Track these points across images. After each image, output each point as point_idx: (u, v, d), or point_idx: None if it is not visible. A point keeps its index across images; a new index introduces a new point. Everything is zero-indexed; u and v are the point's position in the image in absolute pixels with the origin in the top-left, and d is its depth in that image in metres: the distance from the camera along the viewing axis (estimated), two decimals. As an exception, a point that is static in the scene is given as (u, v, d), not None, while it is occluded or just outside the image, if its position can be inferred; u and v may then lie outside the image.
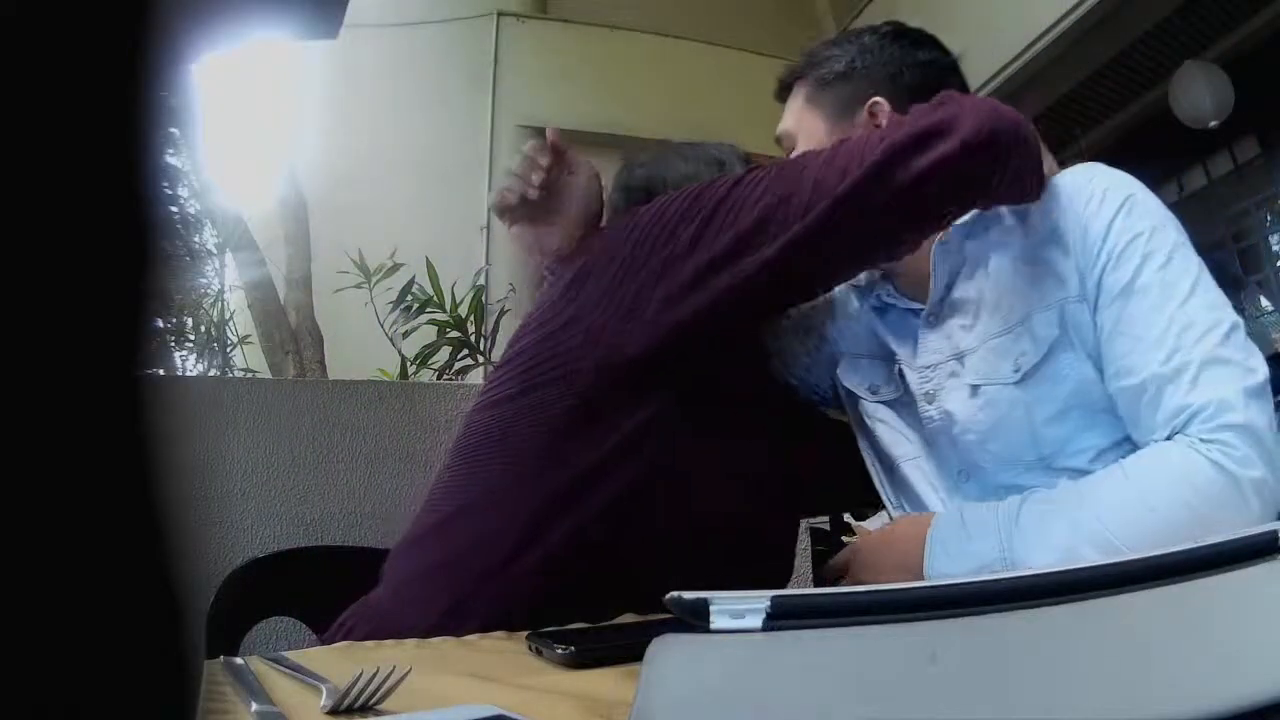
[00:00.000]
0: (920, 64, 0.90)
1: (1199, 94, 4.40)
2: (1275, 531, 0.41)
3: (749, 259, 0.71)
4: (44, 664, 0.15)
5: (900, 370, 0.90)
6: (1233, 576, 0.39)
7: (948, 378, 0.84)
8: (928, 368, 0.86)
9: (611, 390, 0.74)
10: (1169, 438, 0.70)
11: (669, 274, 0.73)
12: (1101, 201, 0.78)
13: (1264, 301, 5.85)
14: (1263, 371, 0.70)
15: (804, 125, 0.93)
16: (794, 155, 0.88)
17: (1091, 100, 5.05)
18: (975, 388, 0.81)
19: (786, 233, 0.70)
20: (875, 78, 0.90)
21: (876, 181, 0.69)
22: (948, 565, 0.74)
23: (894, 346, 0.91)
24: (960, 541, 0.74)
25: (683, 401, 0.75)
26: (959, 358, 0.84)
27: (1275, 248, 5.72)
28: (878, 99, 0.88)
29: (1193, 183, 5.90)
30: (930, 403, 0.85)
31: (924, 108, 0.74)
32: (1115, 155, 5.23)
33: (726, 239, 0.72)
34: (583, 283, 0.78)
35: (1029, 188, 0.76)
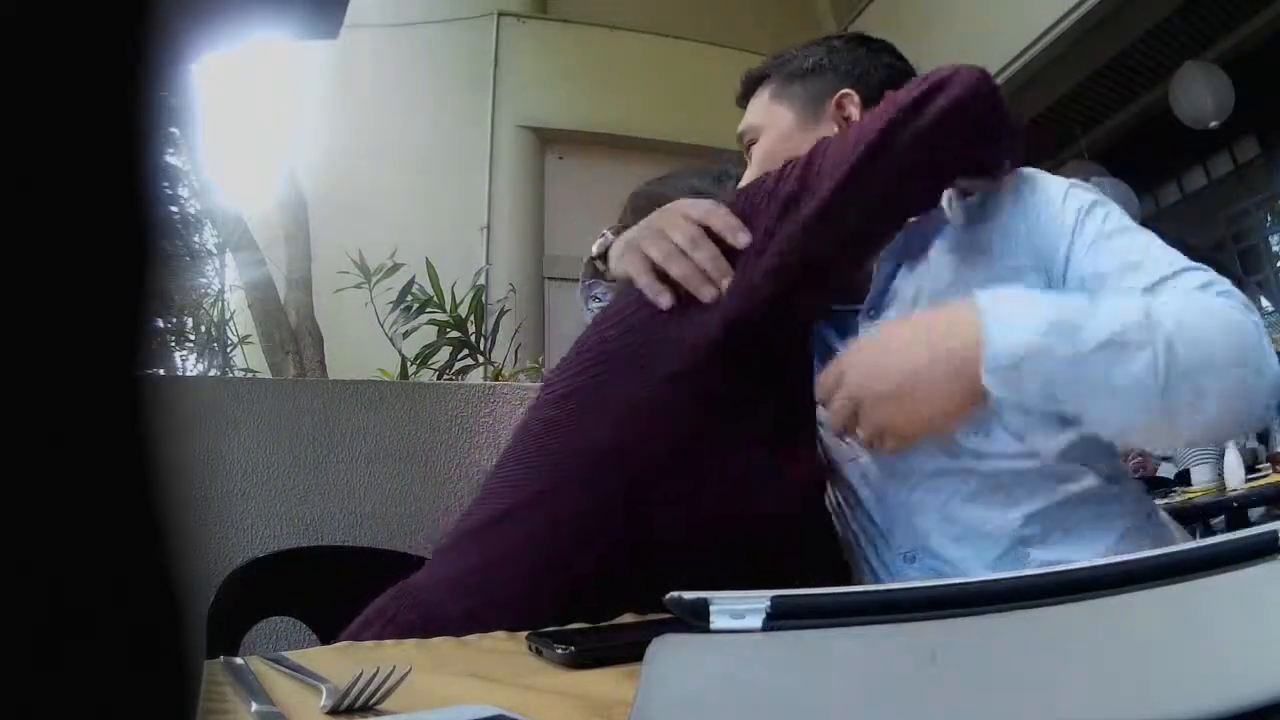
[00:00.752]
0: (885, 65, 0.93)
1: (1199, 94, 4.40)
2: (1275, 532, 0.41)
3: (783, 240, 0.70)
4: (44, 664, 0.15)
5: None
6: (1233, 576, 0.39)
7: None
8: None
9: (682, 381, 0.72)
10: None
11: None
12: (1048, 186, 0.81)
13: (1264, 301, 5.85)
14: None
15: (769, 118, 0.94)
16: (756, 149, 0.94)
17: (1091, 100, 5.05)
18: None
19: (814, 202, 0.70)
20: (842, 74, 0.92)
21: (892, 140, 0.69)
22: (1016, 325, 0.64)
23: (839, 347, 0.88)
24: (1018, 298, 0.67)
25: (741, 398, 0.74)
26: None
27: (1275, 248, 5.73)
28: (847, 90, 0.90)
29: (1193, 183, 5.91)
30: None
31: (911, 82, 0.74)
32: (1115, 155, 5.25)
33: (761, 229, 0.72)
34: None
35: (1019, 146, 0.78)
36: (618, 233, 0.91)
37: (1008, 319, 0.65)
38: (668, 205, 0.80)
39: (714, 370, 0.71)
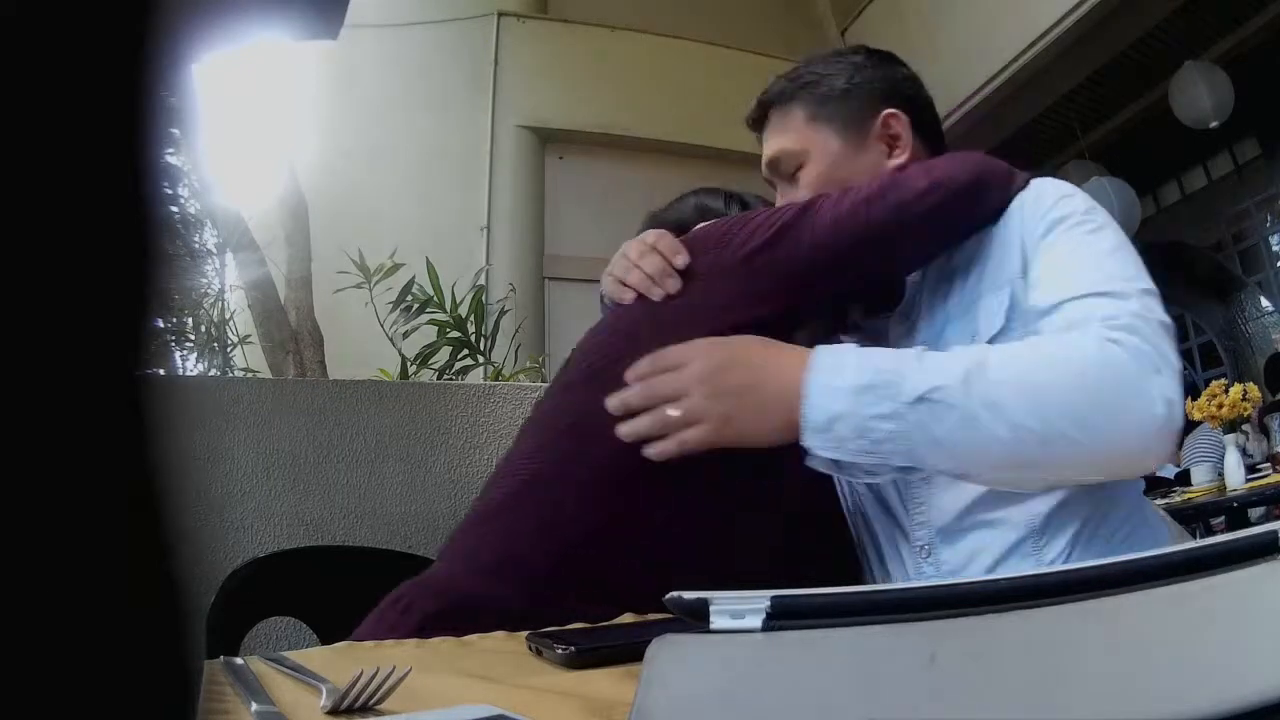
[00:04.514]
0: (906, 78, 0.95)
1: (1199, 94, 4.40)
2: (1275, 532, 0.41)
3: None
4: (44, 664, 0.15)
5: None
6: (1233, 576, 0.39)
7: None
8: None
9: None
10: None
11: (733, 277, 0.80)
12: (1040, 196, 0.83)
13: (1264, 301, 5.85)
14: (1167, 318, 0.71)
15: (813, 143, 0.92)
16: (806, 174, 0.91)
17: (1091, 100, 5.05)
18: None
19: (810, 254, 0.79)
20: (877, 92, 0.92)
21: (897, 226, 0.80)
22: (833, 379, 0.68)
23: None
24: (847, 360, 0.69)
25: None
26: (924, 344, 0.84)
27: (1275, 248, 5.73)
28: (892, 111, 0.91)
29: (1193, 183, 5.91)
30: None
31: (919, 168, 0.83)
32: (1115, 155, 5.25)
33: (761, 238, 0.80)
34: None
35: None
36: None
37: (827, 379, 0.68)
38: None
39: None
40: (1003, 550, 0.77)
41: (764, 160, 0.96)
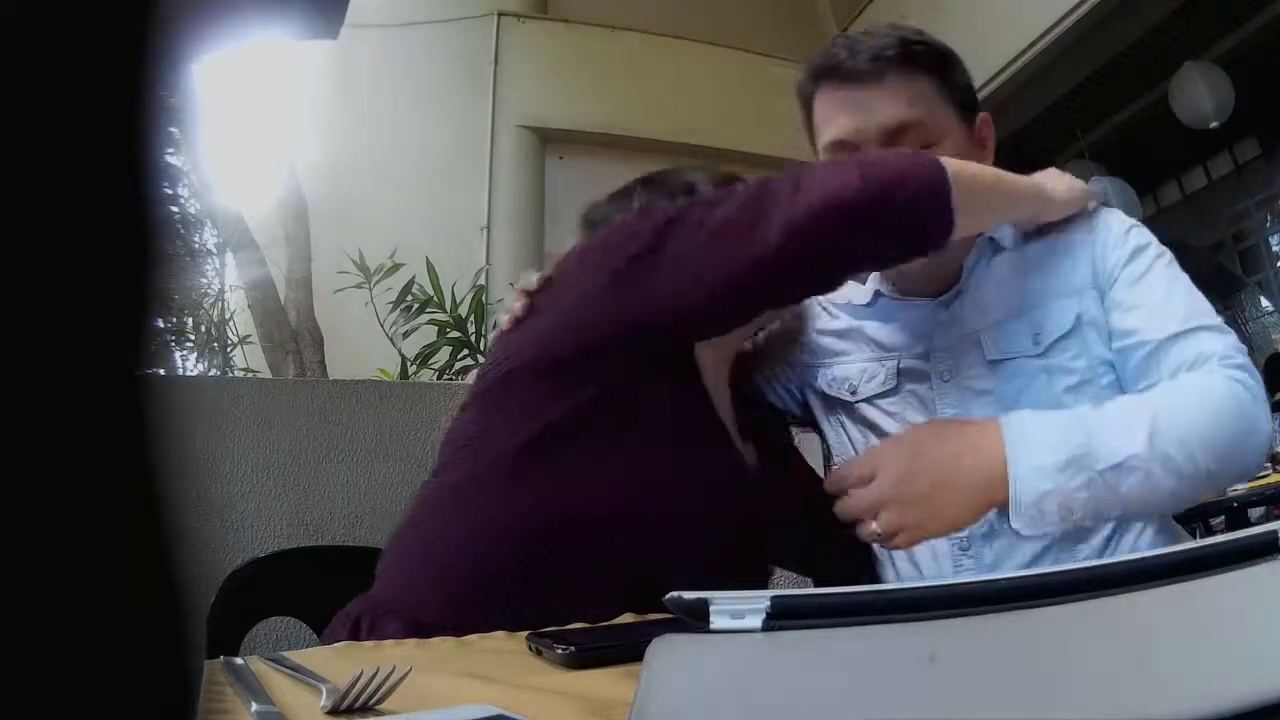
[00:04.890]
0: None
1: (1199, 94, 4.40)
2: (1275, 532, 0.41)
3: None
4: (44, 664, 0.15)
5: (899, 363, 0.91)
6: (1233, 576, 0.39)
7: (967, 354, 0.86)
8: (944, 350, 0.88)
9: (544, 386, 0.77)
10: (1191, 370, 0.77)
11: (601, 283, 0.76)
12: (1111, 214, 0.89)
13: (1264, 302, 5.85)
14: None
15: (948, 126, 0.84)
16: (902, 153, 0.81)
17: (1091, 100, 5.05)
18: (996, 362, 0.84)
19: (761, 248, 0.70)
20: (968, 90, 0.89)
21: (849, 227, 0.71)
22: (1038, 457, 0.69)
23: (885, 340, 0.93)
24: (1040, 434, 0.71)
25: (601, 403, 0.75)
26: (976, 337, 0.86)
27: (1275, 248, 5.73)
28: (986, 115, 0.90)
29: (1193, 183, 5.91)
30: (947, 380, 0.87)
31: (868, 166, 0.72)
32: (1115, 155, 5.25)
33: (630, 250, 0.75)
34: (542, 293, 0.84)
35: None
36: None
37: (1032, 458, 0.70)
38: None
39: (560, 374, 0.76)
40: (1039, 549, 0.81)
41: (873, 125, 0.82)
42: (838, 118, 0.85)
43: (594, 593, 0.70)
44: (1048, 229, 0.88)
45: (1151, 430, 0.70)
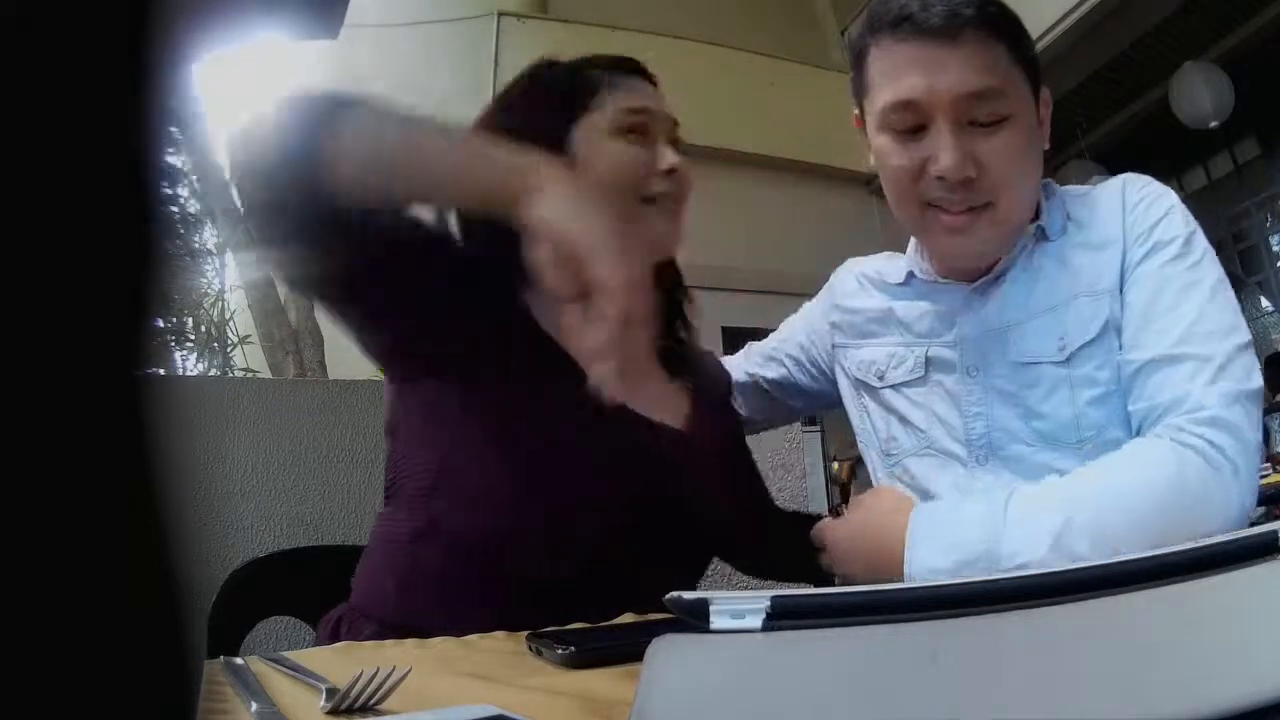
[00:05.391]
0: None
1: (1199, 94, 4.40)
2: (1275, 531, 0.41)
3: None
4: (44, 664, 0.15)
5: (928, 351, 0.88)
6: (1233, 576, 0.39)
7: (994, 350, 0.83)
8: (972, 341, 0.84)
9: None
10: (1158, 419, 0.72)
11: None
12: (1149, 205, 0.80)
13: (1264, 302, 5.85)
14: (1257, 383, 0.72)
15: (1022, 101, 0.78)
16: (1010, 131, 0.76)
17: (1091, 100, 5.05)
18: (1021, 365, 0.81)
19: None
20: (1038, 66, 0.81)
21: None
22: (931, 558, 0.70)
23: (915, 324, 0.90)
24: (945, 531, 0.71)
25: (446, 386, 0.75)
26: (1003, 333, 0.83)
27: (1275, 248, 5.72)
28: (1047, 93, 0.83)
29: (1193, 183, 5.90)
30: (973, 376, 0.84)
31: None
32: (1115, 155, 5.24)
33: None
34: None
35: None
36: None
37: (926, 559, 0.70)
38: None
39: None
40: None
41: (946, 88, 0.74)
42: (905, 75, 0.76)
43: (540, 584, 0.70)
44: (1085, 220, 0.83)
45: (1060, 532, 0.65)
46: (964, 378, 0.84)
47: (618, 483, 0.75)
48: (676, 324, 0.94)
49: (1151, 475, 0.67)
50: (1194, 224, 0.80)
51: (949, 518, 0.72)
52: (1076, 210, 0.85)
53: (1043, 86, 0.82)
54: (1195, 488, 0.66)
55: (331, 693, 0.41)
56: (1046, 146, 0.83)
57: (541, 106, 0.83)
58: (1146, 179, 0.84)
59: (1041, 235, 0.84)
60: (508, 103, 0.86)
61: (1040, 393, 0.79)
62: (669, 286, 0.92)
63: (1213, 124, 4.43)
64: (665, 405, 0.83)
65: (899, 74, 0.76)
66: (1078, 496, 0.68)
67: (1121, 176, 0.86)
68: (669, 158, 0.85)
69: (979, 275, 0.85)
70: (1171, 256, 0.77)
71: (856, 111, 0.86)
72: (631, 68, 0.89)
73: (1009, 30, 0.77)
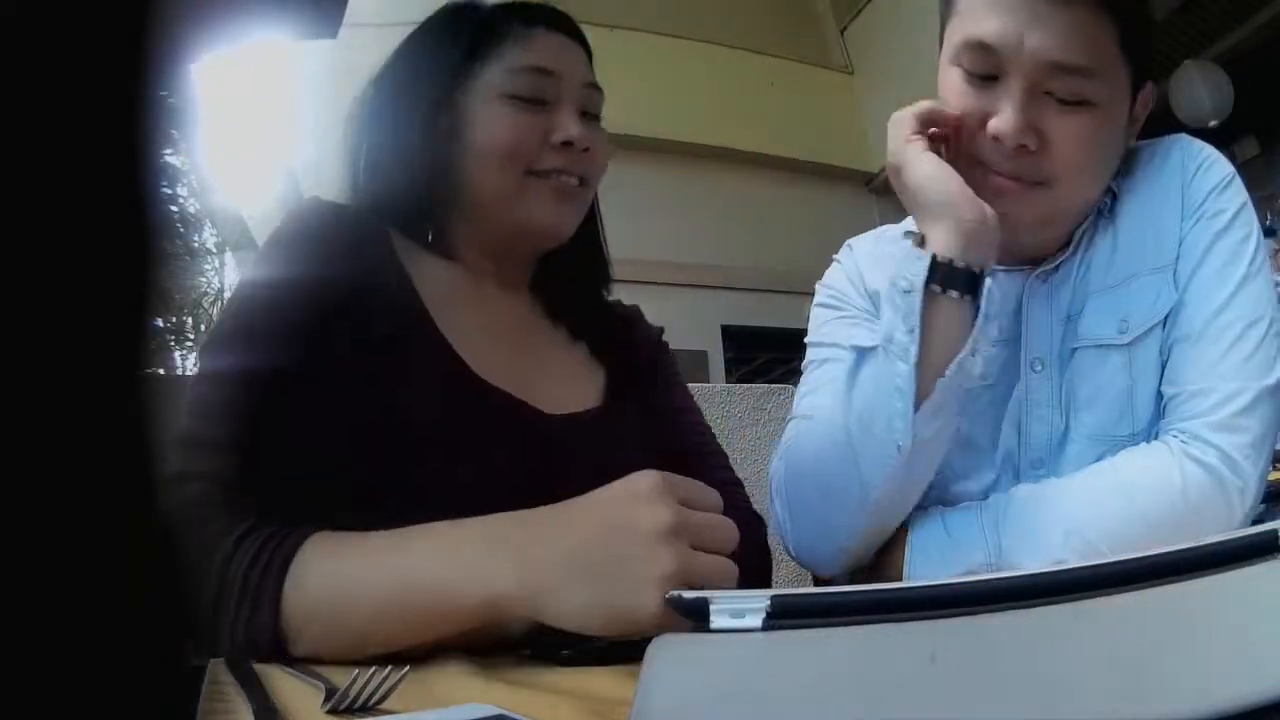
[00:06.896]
0: None
1: (1199, 94, 4.40)
2: (1275, 531, 0.41)
3: None
4: (44, 664, 0.15)
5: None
6: (1233, 576, 0.39)
7: (1055, 340, 0.76)
8: (1036, 334, 0.77)
9: None
10: (1179, 408, 0.69)
11: None
12: (1207, 170, 0.75)
13: (1264, 301, 5.84)
14: (1278, 375, 0.69)
15: (1106, 85, 0.69)
16: (1090, 120, 0.69)
17: (1091, 100, 5.04)
18: (1073, 350, 0.75)
19: None
20: (1149, 58, 0.72)
21: None
22: (929, 571, 0.69)
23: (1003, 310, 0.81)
24: (944, 548, 0.70)
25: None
26: (1066, 320, 0.76)
27: (1275, 247, 5.72)
28: (1149, 89, 0.73)
29: (1193, 182, 5.89)
30: (1038, 371, 0.76)
31: None
32: (1115, 155, 5.24)
33: None
34: None
35: None
36: None
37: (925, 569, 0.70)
38: None
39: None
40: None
41: (1027, 46, 0.66)
42: (996, 14, 0.67)
43: None
44: (1136, 187, 0.75)
45: (1056, 548, 0.65)
46: (1029, 373, 0.77)
47: (481, 469, 0.66)
48: (589, 299, 0.87)
49: (1153, 498, 0.66)
50: (1244, 192, 0.75)
51: (944, 549, 0.71)
52: (1125, 179, 0.78)
53: (1149, 84, 0.74)
54: (1196, 505, 0.65)
55: (331, 692, 0.41)
56: (1133, 144, 0.77)
57: (437, 54, 0.78)
58: (1200, 143, 0.78)
59: (1105, 212, 0.77)
60: (405, 50, 0.82)
61: (1093, 385, 0.73)
62: (575, 263, 0.85)
63: (1212, 123, 4.43)
64: (558, 386, 0.75)
65: (991, 9, 0.68)
66: (1072, 515, 0.67)
67: (1171, 138, 0.79)
68: (569, 129, 0.75)
69: (1045, 257, 0.77)
70: (1215, 232, 0.72)
71: (937, 49, 0.77)
72: (551, 21, 0.80)
73: (1129, 14, 0.68)
